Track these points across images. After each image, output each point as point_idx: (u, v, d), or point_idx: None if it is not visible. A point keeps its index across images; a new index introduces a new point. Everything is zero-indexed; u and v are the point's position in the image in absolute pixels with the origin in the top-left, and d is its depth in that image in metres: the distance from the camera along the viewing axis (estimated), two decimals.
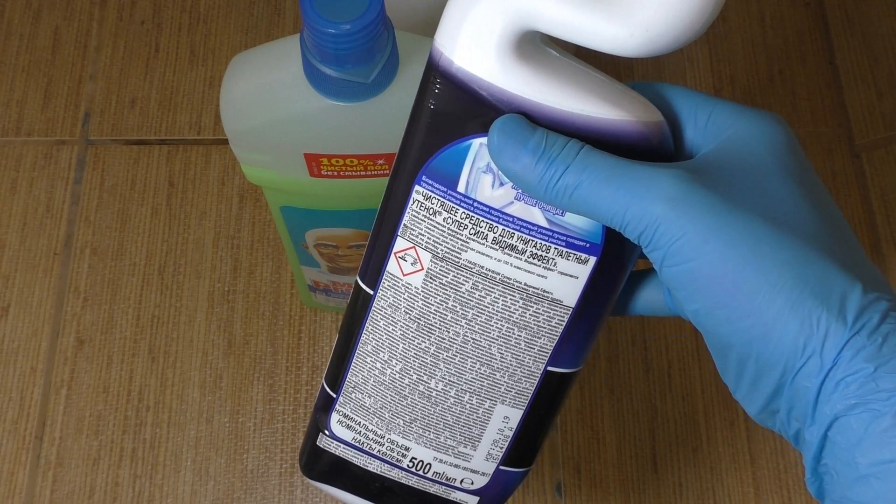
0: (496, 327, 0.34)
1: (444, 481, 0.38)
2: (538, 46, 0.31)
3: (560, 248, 0.33)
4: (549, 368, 0.35)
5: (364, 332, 0.36)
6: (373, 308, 0.35)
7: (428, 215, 0.33)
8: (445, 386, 0.36)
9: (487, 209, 0.32)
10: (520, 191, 0.32)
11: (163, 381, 0.63)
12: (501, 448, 0.37)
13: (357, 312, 0.36)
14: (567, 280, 0.33)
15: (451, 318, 0.35)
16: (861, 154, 0.71)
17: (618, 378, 0.64)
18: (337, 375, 0.37)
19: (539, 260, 0.33)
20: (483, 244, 0.33)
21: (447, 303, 0.34)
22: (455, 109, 0.31)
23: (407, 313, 0.35)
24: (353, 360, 0.37)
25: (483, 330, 0.35)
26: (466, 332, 0.35)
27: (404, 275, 0.34)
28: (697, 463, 0.62)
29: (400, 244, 0.34)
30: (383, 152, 0.44)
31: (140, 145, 0.69)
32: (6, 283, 0.65)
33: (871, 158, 0.70)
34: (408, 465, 0.38)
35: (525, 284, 0.33)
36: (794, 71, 0.73)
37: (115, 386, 0.63)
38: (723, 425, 0.63)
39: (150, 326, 0.64)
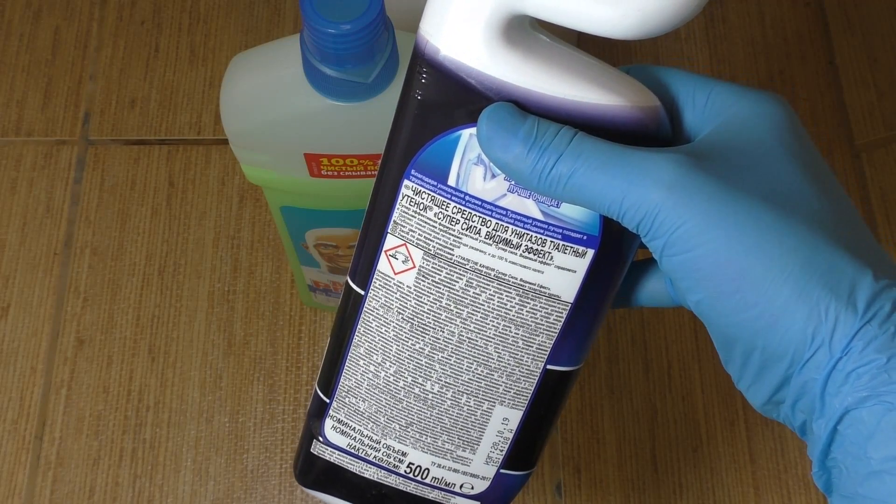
0: (492, 325, 0.33)
1: (443, 486, 0.37)
2: (528, 31, 0.30)
3: (556, 241, 0.32)
4: (549, 367, 0.34)
5: (356, 334, 0.35)
6: (364, 309, 0.34)
7: (418, 211, 0.32)
8: (442, 388, 0.35)
9: (479, 202, 0.31)
10: (513, 182, 0.31)
11: (163, 381, 0.63)
12: (501, 451, 0.36)
13: (348, 314, 0.35)
14: (564, 274, 0.32)
15: (446, 317, 0.33)
16: (861, 154, 0.71)
17: (618, 378, 0.64)
18: (330, 380, 0.36)
19: (535, 254, 0.32)
20: (476, 239, 0.32)
21: (441, 301, 0.33)
22: (443, 99, 0.30)
23: (399, 313, 0.34)
24: (346, 364, 0.36)
25: (479, 329, 0.33)
26: (462, 331, 0.34)
27: (396, 273, 0.33)
28: (697, 463, 0.62)
29: (390, 242, 0.33)
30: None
31: (140, 145, 0.69)
32: (6, 283, 0.65)
33: (871, 158, 0.70)
34: (405, 471, 0.37)
35: (521, 280, 0.32)
36: (794, 71, 0.73)
37: (115, 386, 0.63)
38: (723, 425, 0.63)
39: (150, 326, 0.64)
